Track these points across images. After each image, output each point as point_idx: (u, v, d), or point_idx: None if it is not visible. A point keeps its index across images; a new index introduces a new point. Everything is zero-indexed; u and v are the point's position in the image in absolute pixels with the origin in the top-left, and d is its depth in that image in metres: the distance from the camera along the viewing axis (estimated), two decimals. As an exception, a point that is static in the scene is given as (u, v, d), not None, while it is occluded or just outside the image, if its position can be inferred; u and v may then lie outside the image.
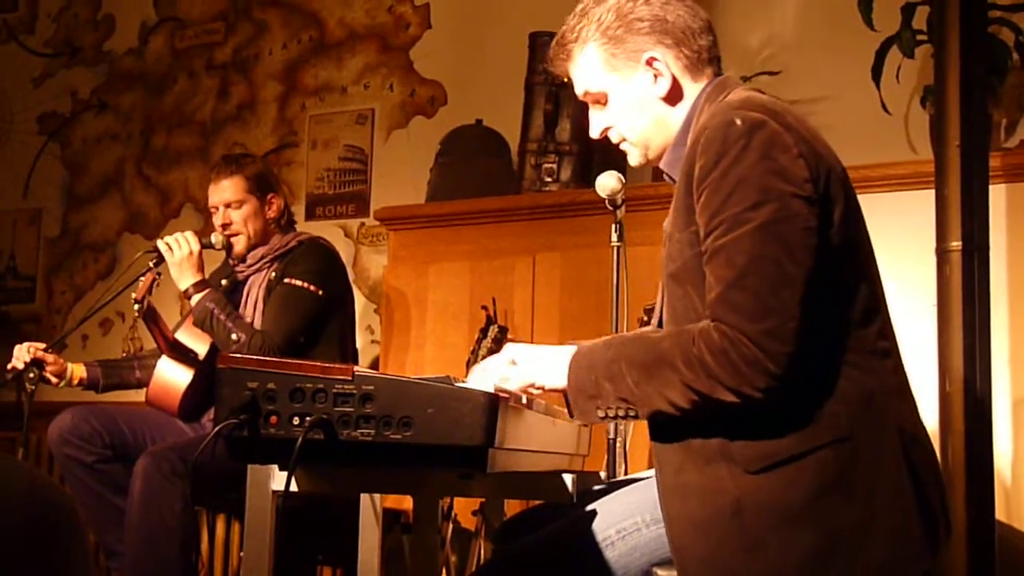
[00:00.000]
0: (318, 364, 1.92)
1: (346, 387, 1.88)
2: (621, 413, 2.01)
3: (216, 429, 1.90)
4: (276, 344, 3.91)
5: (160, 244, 4.02)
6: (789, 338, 1.87)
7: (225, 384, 1.92)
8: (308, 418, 1.88)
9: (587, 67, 2.21)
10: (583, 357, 2.07)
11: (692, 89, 2.18)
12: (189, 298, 3.98)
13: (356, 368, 1.91)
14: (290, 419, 1.89)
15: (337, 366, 1.91)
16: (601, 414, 2.03)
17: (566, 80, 2.30)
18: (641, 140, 2.23)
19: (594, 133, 2.28)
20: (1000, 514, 3.18)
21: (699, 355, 1.91)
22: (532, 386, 2.15)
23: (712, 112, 2.05)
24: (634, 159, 2.27)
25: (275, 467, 2.28)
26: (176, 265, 3.98)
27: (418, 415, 1.86)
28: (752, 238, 1.90)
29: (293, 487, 2.11)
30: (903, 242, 3.61)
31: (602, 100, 2.23)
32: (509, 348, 2.21)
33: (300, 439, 1.85)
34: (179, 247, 3.99)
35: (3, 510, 1.43)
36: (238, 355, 1.98)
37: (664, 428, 2.04)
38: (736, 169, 1.93)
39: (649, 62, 2.17)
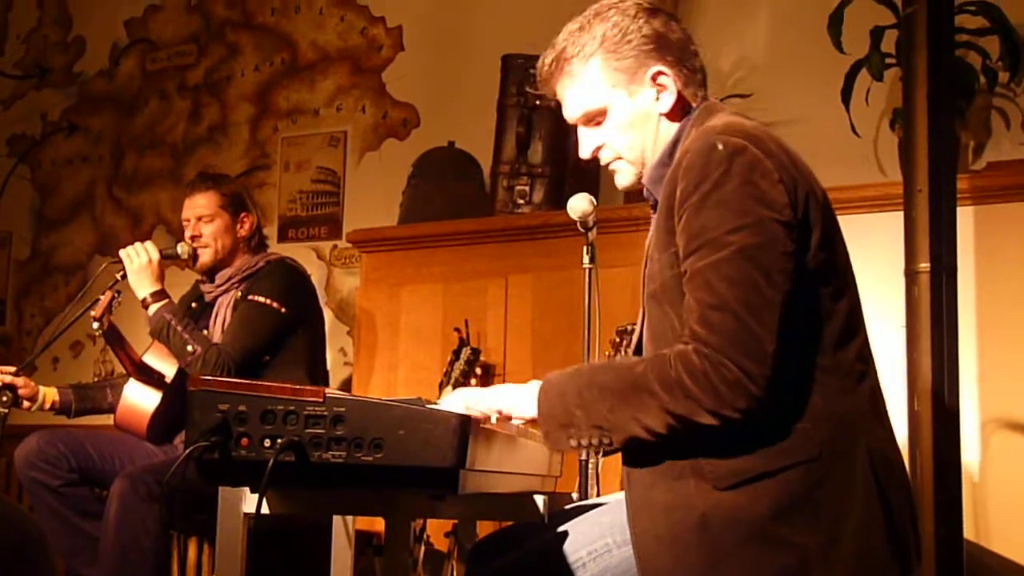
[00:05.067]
0: (289, 386, 1.92)
1: (317, 409, 1.88)
2: (595, 441, 2.00)
3: (187, 451, 1.90)
4: (232, 358, 3.89)
5: (122, 253, 4.02)
6: (769, 360, 1.88)
7: (196, 406, 1.92)
8: (279, 440, 1.88)
9: (589, 83, 2.19)
10: (552, 386, 2.07)
11: (685, 107, 2.19)
12: (147, 307, 3.97)
13: (327, 390, 1.91)
14: (261, 441, 1.89)
15: (308, 388, 1.92)
16: (574, 443, 2.02)
17: (555, 102, 2.30)
18: (638, 157, 2.21)
19: (585, 153, 2.26)
20: (968, 533, 3.20)
21: (677, 378, 1.91)
22: (499, 413, 2.15)
23: (695, 136, 2.07)
24: (625, 179, 2.25)
25: (247, 489, 2.27)
26: (135, 273, 3.98)
27: (389, 437, 1.86)
28: (731, 262, 1.91)
29: (265, 509, 2.12)
30: (872, 263, 3.62)
31: (598, 117, 2.21)
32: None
33: (271, 461, 1.85)
34: (138, 255, 3.99)
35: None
36: (209, 377, 1.97)
37: (636, 448, 2.04)
38: (716, 193, 1.94)
39: (654, 77, 2.17)
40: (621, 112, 2.19)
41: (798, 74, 4.41)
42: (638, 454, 2.04)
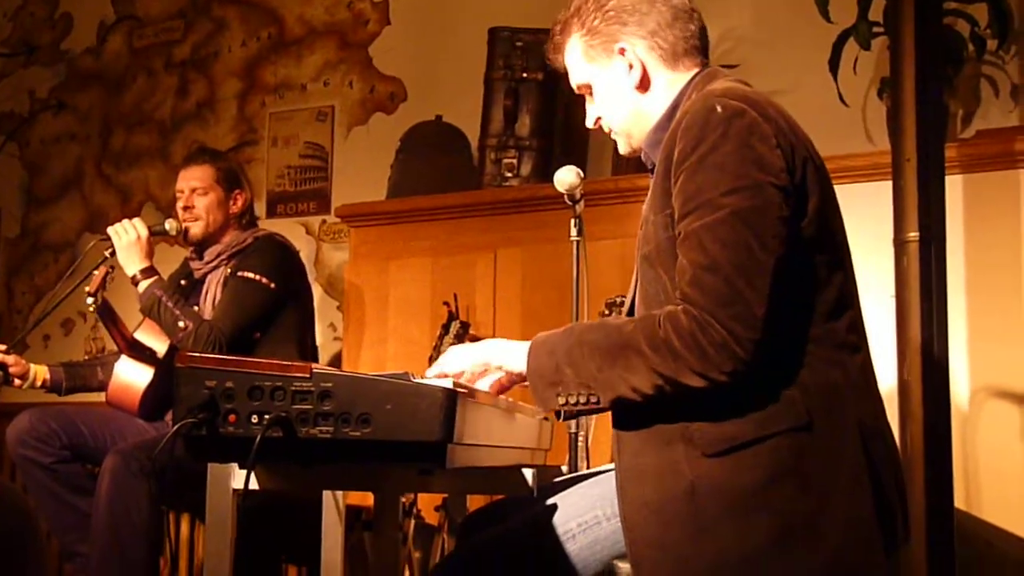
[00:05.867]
0: (276, 362, 1.92)
1: (304, 385, 1.88)
2: (583, 400, 2.01)
3: (175, 428, 1.90)
4: (223, 334, 3.90)
5: (110, 230, 4.01)
6: (757, 324, 1.88)
7: (183, 383, 1.92)
8: (267, 416, 1.88)
9: (573, 58, 2.28)
10: (543, 343, 2.08)
11: (670, 78, 2.21)
12: (136, 284, 3.96)
13: (314, 366, 1.91)
14: (249, 417, 1.89)
15: (295, 364, 1.91)
16: (562, 400, 2.03)
17: (542, 75, 2.35)
18: (622, 129, 2.26)
19: (588, 123, 2.33)
20: (959, 501, 3.21)
21: (665, 338, 1.92)
22: (488, 366, 2.16)
23: (695, 99, 2.08)
24: (622, 148, 2.31)
25: (235, 465, 2.27)
26: (124, 250, 3.97)
27: (376, 412, 1.86)
28: (725, 224, 1.91)
29: (253, 485, 2.12)
30: (861, 233, 3.59)
31: (589, 91, 2.28)
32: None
33: (259, 437, 1.85)
34: (126, 232, 3.98)
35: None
36: (196, 354, 1.97)
37: (626, 412, 2.05)
38: (713, 155, 1.95)
39: (621, 52, 2.20)
40: (601, 86, 2.25)
41: (785, 44, 4.40)
42: (629, 418, 2.05)
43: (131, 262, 3.98)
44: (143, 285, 3.96)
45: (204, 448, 1.93)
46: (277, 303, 4.08)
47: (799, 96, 4.26)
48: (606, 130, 2.31)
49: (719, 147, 1.95)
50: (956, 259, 3.55)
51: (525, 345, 2.11)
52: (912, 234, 3.08)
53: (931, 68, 3.18)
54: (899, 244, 3.11)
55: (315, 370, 1.89)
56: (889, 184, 3.19)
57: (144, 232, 4.00)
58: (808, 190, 1.99)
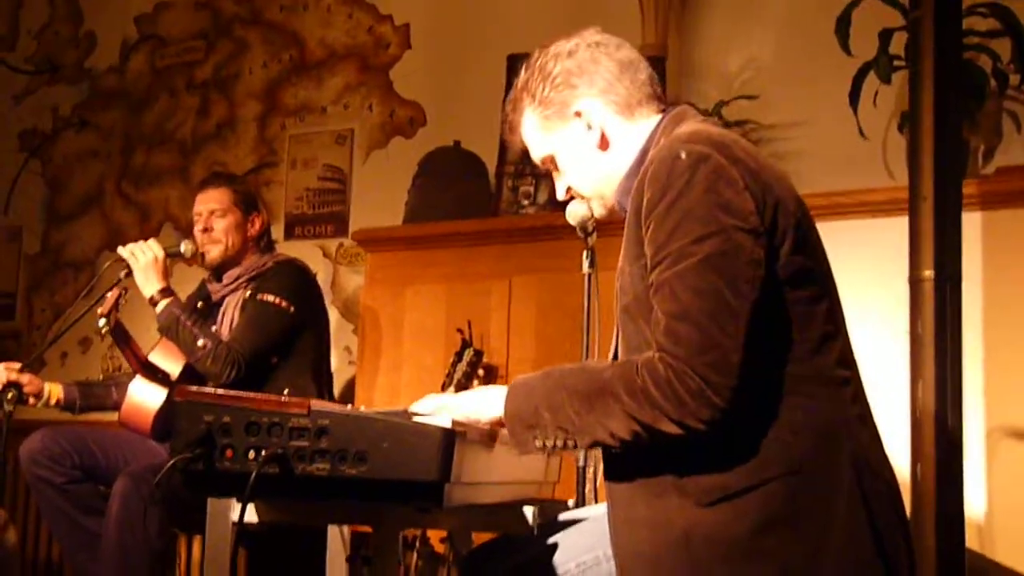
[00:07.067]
0: (274, 398, 1.91)
1: (301, 421, 1.88)
2: (560, 443, 2.00)
3: (171, 463, 1.90)
4: (242, 355, 3.90)
5: (123, 251, 4.01)
6: (733, 371, 1.86)
7: (181, 417, 1.92)
8: (263, 452, 1.87)
9: (530, 133, 2.27)
10: (521, 386, 2.07)
11: (631, 129, 2.20)
12: (154, 304, 3.97)
13: (313, 402, 1.90)
14: (246, 453, 1.89)
15: (293, 400, 1.91)
16: (539, 444, 2.02)
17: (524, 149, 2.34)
18: (595, 192, 2.25)
19: (560, 195, 2.32)
20: (972, 542, 3.18)
21: (643, 386, 1.90)
22: (468, 417, 2.14)
23: (661, 145, 2.06)
24: (596, 212, 2.30)
25: (234, 499, 2.26)
26: (141, 271, 3.98)
27: (373, 450, 1.86)
28: (695, 272, 1.90)
29: (252, 518, 2.11)
30: (879, 268, 3.60)
31: (553, 162, 2.27)
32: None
33: (254, 473, 1.84)
34: (143, 253, 3.99)
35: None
36: (194, 388, 1.96)
37: (617, 464, 2.04)
38: (681, 203, 1.93)
39: (577, 115, 2.20)
40: (564, 154, 2.24)
41: (806, 76, 4.38)
42: (620, 470, 2.03)
43: (149, 283, 3.99)
44: (161, 305, 3.97)
45: (202, 482, 1.93)
46: (295, 327, 4.09)
47: (819, 129, 4.26)
48: (580, 197, 2.30)
49: (685, 194, 1.93)
50: (974, 296, 3.51)
51: (501, 390, 2.10)
52: (927, 272, 3.05)
53: (951, 103, 3.15)
54: (914, 282, 3.08)
55: (312, 407, 1.88)
56: (907, 219, 3.15)
57: (161, 253, 4.02)
58: (781, 229, 1.97)
